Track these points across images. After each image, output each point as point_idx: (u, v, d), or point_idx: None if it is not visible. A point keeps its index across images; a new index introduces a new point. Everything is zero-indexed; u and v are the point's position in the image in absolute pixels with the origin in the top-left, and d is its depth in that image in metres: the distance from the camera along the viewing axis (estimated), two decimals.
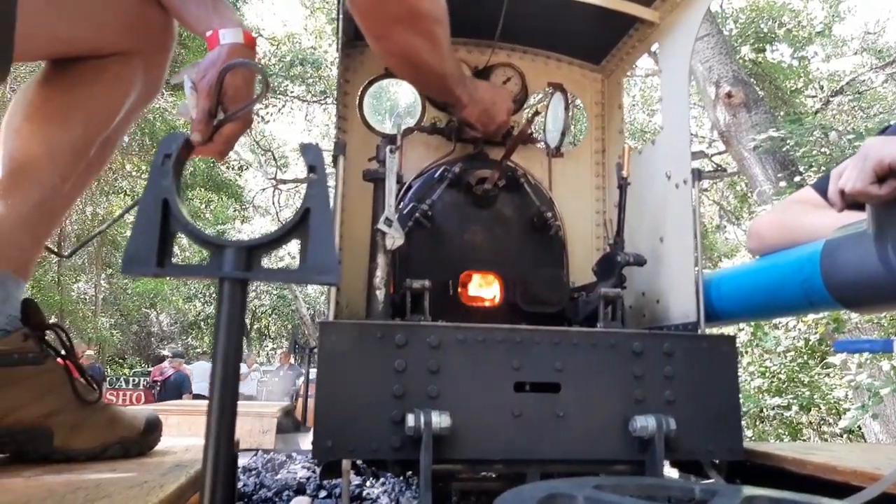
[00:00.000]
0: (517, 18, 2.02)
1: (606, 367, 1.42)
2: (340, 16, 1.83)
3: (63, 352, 1.13)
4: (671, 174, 1.77)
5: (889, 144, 1.02)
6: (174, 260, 0.81)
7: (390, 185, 1.56)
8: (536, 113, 1.80)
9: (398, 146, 1.58)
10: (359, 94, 2.08)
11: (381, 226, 1.54)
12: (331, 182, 1.71)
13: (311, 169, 0.84)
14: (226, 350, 0.81)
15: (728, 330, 3.08)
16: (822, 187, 1.41)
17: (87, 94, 1.15)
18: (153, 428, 1.26)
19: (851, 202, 1.09)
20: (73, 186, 1.17)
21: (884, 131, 1.37)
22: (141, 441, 1.22)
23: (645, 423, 1.36)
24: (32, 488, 0.87)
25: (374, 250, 1.59)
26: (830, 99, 11.62)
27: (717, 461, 1.50)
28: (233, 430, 0.84)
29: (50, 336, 1.12)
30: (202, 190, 15.81)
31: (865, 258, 1.12)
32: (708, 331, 1.60)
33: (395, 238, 1.54)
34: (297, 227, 0.83)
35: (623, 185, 1.78)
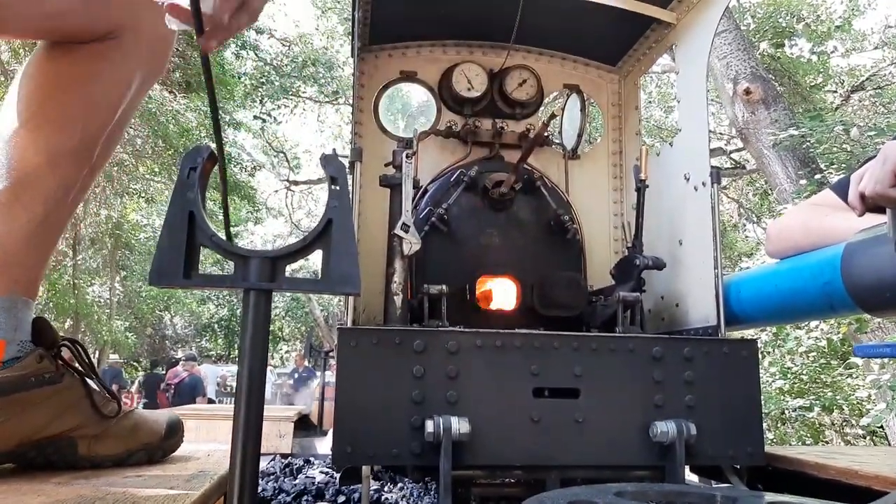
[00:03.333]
0: (533, 21, 2.02)
1: (626, 373, 1.42)
2: (355, 21, 1.84)
3: (80, 366, 1.12)
4: (690, 176, 1.75)
5: None
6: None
7: (407, 191, 1.56)
8: (553, 116, 1.79)
9: (414, 152, 1.59)
10: (374, 98, 2.09)
11: (398, 231, 1.55)
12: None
13: (332, 180, 0.85)
14: (251, 359, 0.83)
15: (749, 331, 3.05)
16: (841, 189, 1.39)
17: (86, 91, 1.06)
18: (174, 431, 1.28)
19: (872, 206, 1.07)
20: (76, 193, 1.11)
21: None
22: (164, 445, 1.23)
23: (665, 428, 1.36)
24: (63, 494, 0.89)
25: (391, 255, 1.60)
26: (851, 94, 11.43)
27: (738, 466, 1.49)
28: (259, 438, 0.85)
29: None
30: (215, 191, 15.94)
31: (887, 262, 1.10)
32: (728, 334, 1.58)
33: (412, 243, 1.55)
34: (320, 237, 0.85)
35: (641, 188, 1.77)
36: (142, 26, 1.08)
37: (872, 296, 1.20)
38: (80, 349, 1.16)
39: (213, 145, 0.84)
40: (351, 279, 0.80)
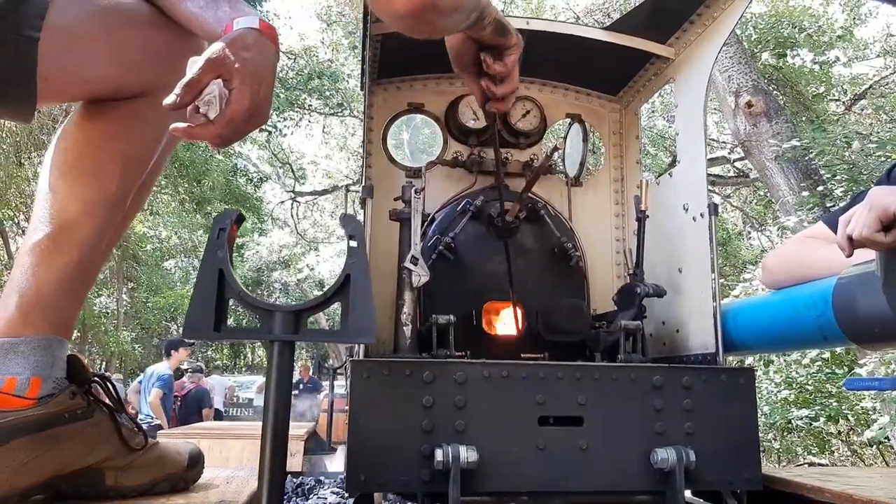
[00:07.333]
0: (536, 53, 2.08)
1: (628, 401, 1.47)
2: (365, 59, 1.91)
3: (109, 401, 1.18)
4: (689, 207, 1.81)
5: (893, 193, 1.07)
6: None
7: (415, 225, 1.63)
8: (555, 149, 1.86)
9: (422, 188, 1.66)
10: (383, 130, 2.17)
11: (408, 264, 1.62)
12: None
13: (350, 238, 0.92)
14: (276, 404, 0.89)
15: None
16: (832, 222, 1.45)
17: (121, 146, 1.15)
18: (196, 462, 1.34)
19: (860, 247, 1.14)
20: (110, 239, 1.20)
21: (892, 170, 1.41)
22: (186, 476, 1.30)
23: (665, 455, 1.41)
24: None
25: (401, 287, 1.66)
26: (854, 103, 11.47)
27: (738, 491, 1.54)
28: (283, 476, 0.92)
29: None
30: (220, 203, 16.06)
31: (875, 300, 1.16)
32: (727, 360, 1.64)
33: (420, 276, 1.61)
34: (339, 291, 0.92)
35: (641, 219, 1.83)
36: (172, 86, 1.11)
37: (862, 330, 1.26)
38: (109, 385, 1.22)
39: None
40: (367, 330, 0.86)
